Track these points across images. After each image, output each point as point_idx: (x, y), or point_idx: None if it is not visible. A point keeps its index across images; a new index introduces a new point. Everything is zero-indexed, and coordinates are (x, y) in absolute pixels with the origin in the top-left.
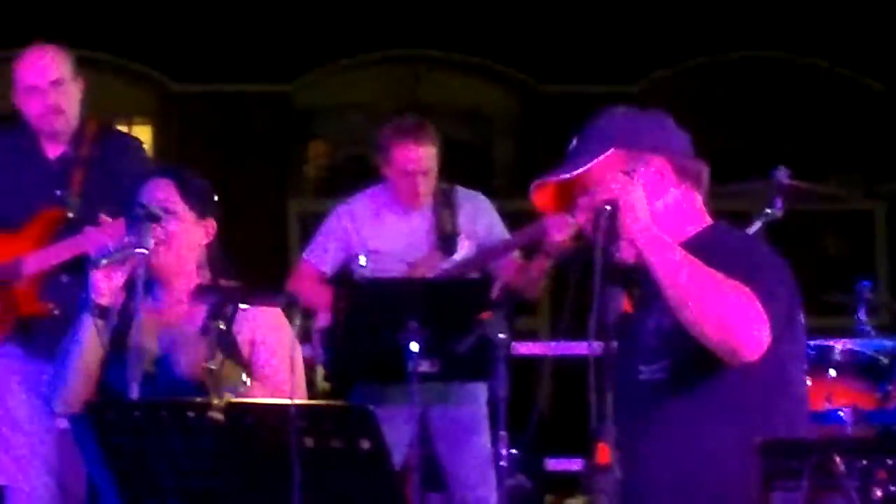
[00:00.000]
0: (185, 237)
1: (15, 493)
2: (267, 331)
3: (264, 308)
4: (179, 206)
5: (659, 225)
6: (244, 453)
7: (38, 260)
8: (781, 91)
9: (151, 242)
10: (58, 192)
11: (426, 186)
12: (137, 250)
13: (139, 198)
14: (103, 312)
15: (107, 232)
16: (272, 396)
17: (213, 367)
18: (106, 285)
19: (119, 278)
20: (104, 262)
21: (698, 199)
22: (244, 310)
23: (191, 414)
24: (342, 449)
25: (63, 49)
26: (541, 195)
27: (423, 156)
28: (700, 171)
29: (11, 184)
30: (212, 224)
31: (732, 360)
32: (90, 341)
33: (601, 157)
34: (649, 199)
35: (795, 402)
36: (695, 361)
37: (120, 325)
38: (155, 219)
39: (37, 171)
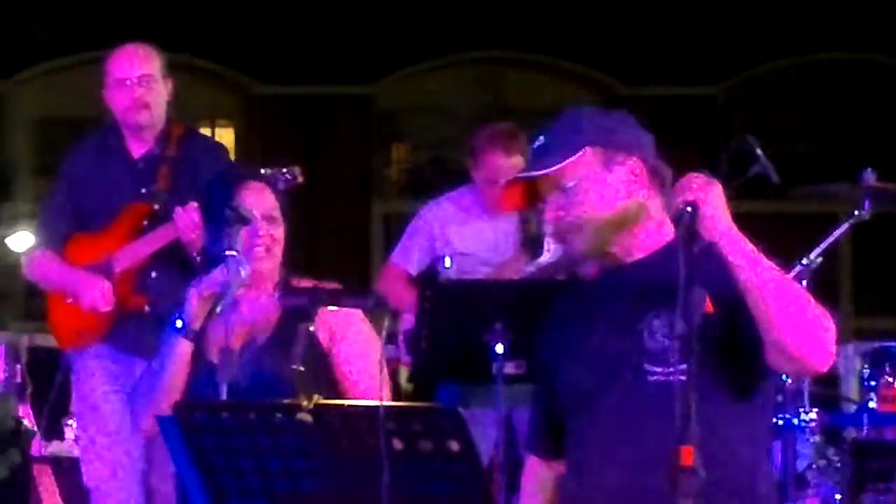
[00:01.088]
0: (284, 242)
1: (102, 494)
2: (346, 331)
3: (342, 309)
4: (279, 212)
5: None
6: (332, 455)
7: (129, 254)
8: (869, 92)
9: (247, 269)
10: (143, 191)
11: None
12: (241, 279)
13: (232, 201)
14: (195, 335)
15: (190, 216)
16: (357, 397)
17: (301, 368)
18: (201, 313)
19: (208, 303)
20: (219, 309)
21: (661, 203)
22: (322, 311)
23: (279, 415)
24: (431, 451)
25: (154, 48)
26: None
27: (511, 166)
28: (667, 174)
29: (98, 183)
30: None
31: (801, 368)
32: (181, 364)
33: (575, 156)
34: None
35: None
36: (720, 365)
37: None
38: (246, 221)
39: (122, 170)
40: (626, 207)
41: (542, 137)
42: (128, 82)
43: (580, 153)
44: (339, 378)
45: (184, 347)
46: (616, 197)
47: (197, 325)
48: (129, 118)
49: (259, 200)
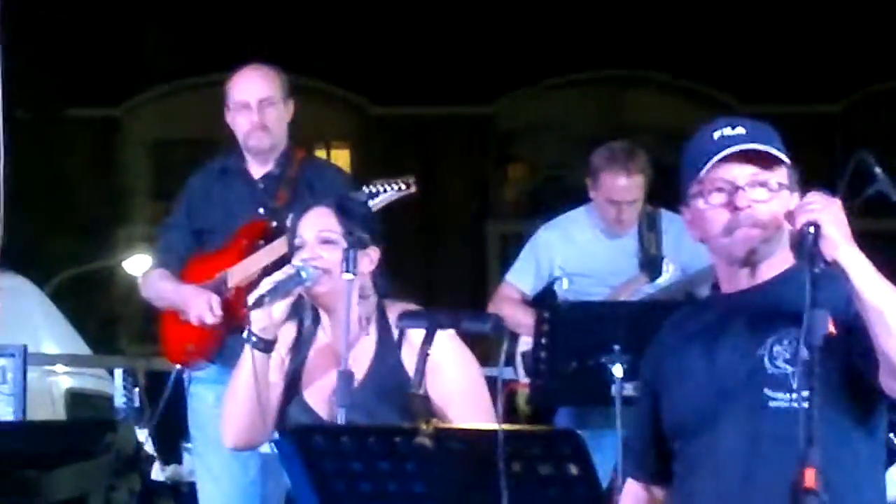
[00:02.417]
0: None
1: None
2: (443, 356)
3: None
4: (339, 235)
5: None
6: (451, 478)
7: (241, 270)
8: None
9: (314, 273)
10: (261, 210)
11: (630, 215)
12: (299, 284)
13: (300, 226)
14: (267, 346)
15: None
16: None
17: (420, 392)
18: (267, 319)
19: (282, 312)
20: (267, 300)
21: None
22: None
23: (398, 439)
24: (550, 474)
25: (275, 70)
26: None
27: (631, 186)
28: None
29: (218, 204)
30: (375, 252)
31: None
32: (253, 375)
33: (787, 163)
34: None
35: None
36: (840, 388)
37: (297, 368)
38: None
39: (242, 190)
40: (784, 227)
41: (747, 125)
42: (248, 106)
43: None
44: (439, 415)
45: (253, 357)
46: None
47: (266, 335)
48: (249, 141)
49: (314, 224)
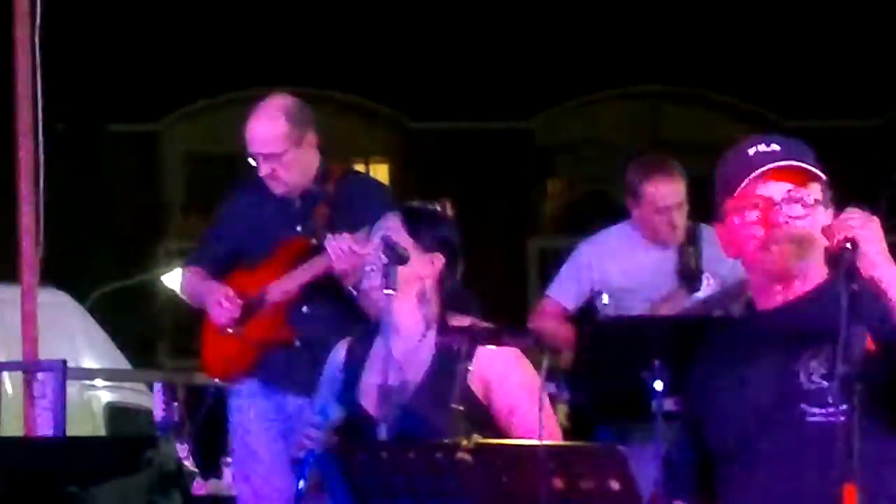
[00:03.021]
0: (407, 269)
1: None
2: (502, 381)
3: (497, 355)
4: (403, 238)
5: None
6: (492, 494)
7: (281, 286)
8: None
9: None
10: (298, 228)
11: (681, 220)
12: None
13: (379, 238)
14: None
15: (342, 245)
16: (522, 436)
17: (461, 407)
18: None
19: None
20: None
21: None
22: (477, 358)
23: (439, 454)
24: (592, 490)
25: (287, 110)
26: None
27: (676, 190)
28: None
29: (255, 222)
30: (438, 259)
31: None
32: None
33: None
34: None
35: None
36: (878, 404)
37: (352, 367)
38: (403, 261)
39: (278, 208)
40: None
41: (780, 142)
42: (260, 157)
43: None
44: (503, 429)
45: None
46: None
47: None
48: (270, 186)
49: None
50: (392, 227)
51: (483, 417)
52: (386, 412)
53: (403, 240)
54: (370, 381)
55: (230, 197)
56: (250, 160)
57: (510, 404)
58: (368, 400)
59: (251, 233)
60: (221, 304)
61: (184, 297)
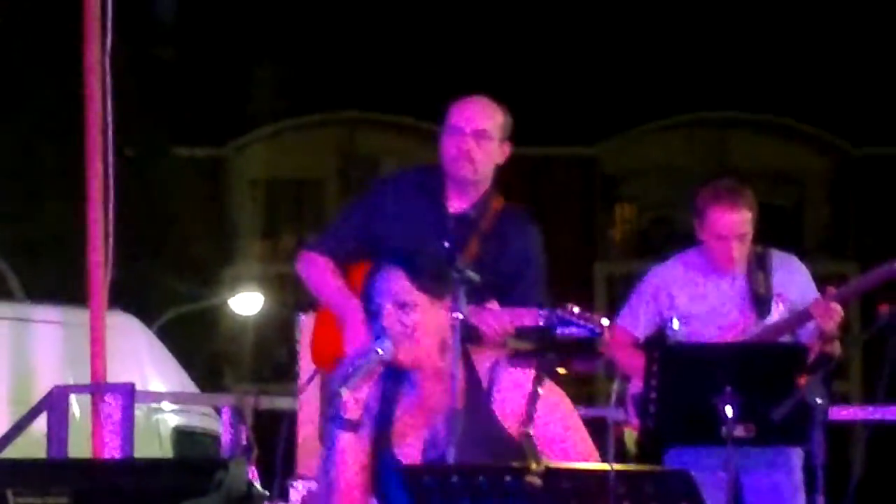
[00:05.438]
0: (424, 324)
1: None
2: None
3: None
4: (414, 296)
5: None
6: None
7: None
8: None
9: (389, 345)
10: (446, 244)
11: (740, 252)
12: (377, 361)
13: (374, 292)
14: (354, 426)
15: (490, 321)
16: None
17: (531, 431)
18: (352, 402)
19: (365, 390)
20: (353, 382)
21: None
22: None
23: (508, 478)
24: None
25: (503, 108)
26: None
27: (739, 220)
28: None
29: (404, 221)
30: (447, 304)
31: None
32: (348, 457)
33: None
34: None
35: None
36: None
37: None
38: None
39: (434, 220)
40: None
41: None
42: (462, 132)
43: None
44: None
45: (343, 438)
46: None
47: (355, 415)
48: (453, 168)
49: (387, 289)
50: (399, 283)
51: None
52: (454, 434)
53: (412, 295)
54: (408, 434)
55: (385, 185)
56: (443, 142)
57: (551, 426)
58: (405, 449)
59: (396, 230)
60: (359, 335)
61: (301, 274)
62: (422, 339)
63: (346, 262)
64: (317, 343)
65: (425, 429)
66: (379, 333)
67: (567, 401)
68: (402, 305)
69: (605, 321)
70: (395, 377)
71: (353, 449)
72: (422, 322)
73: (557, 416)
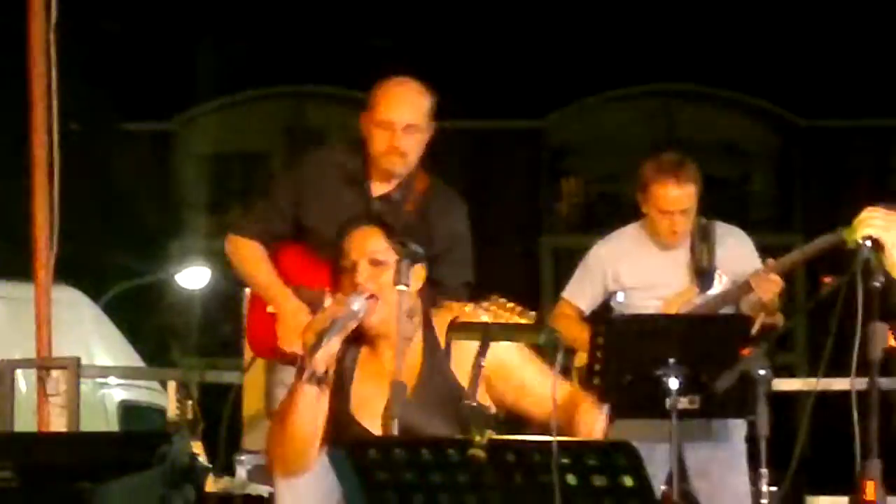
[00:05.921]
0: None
1: None
2: (512, 356)
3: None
4: (388, 254)
5: None
6: (505, 490)
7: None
8: None
9: (366, 304)
10: None
11: (683, 226)
12: (353, 318)
13: (348, 248)
14: (321, 380)
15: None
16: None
17: (474, 403)
18: (323, 357)
19: (335, 346)
20: (325, 339)
21: None
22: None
23: (451, 451)
24: (605, 486)
25: (427, 89)
26: None
27: (683, 195)
28: None
29: (326, 204)
30: (422, 269)
31: None
32: (308, 410)
33: None
34: None
35: None
36: None
37: (342, 374)
38: (419, 259)
39: (356, 205)
40: None
41: None
42: (391, 127)
43: None
44: (517, 410)
45: (307, 391)
46: None
47: (319, 368)
48: (383, 162)
49: (362, 245)
50: (363, 237)
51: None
52: (398, 408)
53: (378, 247)
54: (361, 392)
55: (307, 169)
56: (370, 130)
57: (516, 370)
58: (364, 413)
59: (320, 214)
60: (292, 327)
61: (231, 259)
62: (390, 298)
63: (275, 243)
64: (251, 330)
65: (384, 392)
66: (353, 291)
67: (518, 352)
68: (378, 264)
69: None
70: (354, 339)
71: (314, 403)
72: (390, 284)
73: (519, 356)
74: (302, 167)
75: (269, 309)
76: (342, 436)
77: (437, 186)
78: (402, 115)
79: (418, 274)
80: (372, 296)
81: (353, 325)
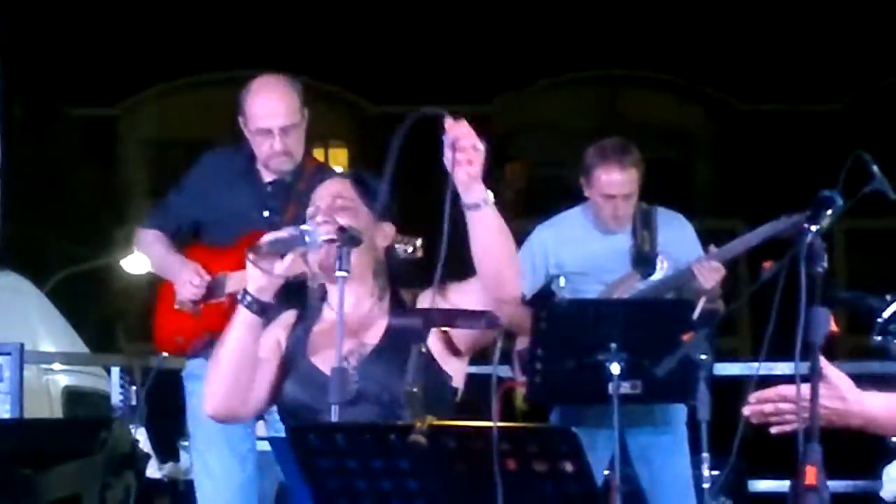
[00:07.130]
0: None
1: None
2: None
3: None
4: (356, 203)
5: None
6: (445, 476)
7: (242, 278)
8: None
9: (318, 238)
10: (266, 213)
11: (626, 210)
12: (301, 243)
13: (315, 196)
14: (262, 308)
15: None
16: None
17: (414, 389)
18: (264, 279)
19: (279, 273)
20: (263, 250)
21: None
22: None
23: (392, 437)
24: (545, 471)
25: (293, 84)
26: None
27: (625, 180)
28: None
29: (224, 202)
30: (389, 227)
31: None
32: (244, 337)
33: None
34: None
35: None
36: None
37: (298, 342)
38: (356, 243)
39: (249, 193)
40: None
41: None
42: (270, 133)
43: None
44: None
45: (244, 316)
46: None
47: (263, 296)
48: (272, 165)
49: (330, 192)
50: (344, 193)
51: (446, 393)
52: (339, 393)
53: (355, 202)
54: (325, 345)
55: (201, 164)
56: (251, 137)
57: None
58: (321, 358)
59: (216, 209)
60: (192, 282)
61: (140, 251)
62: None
63: (180, 239)
64: (158, 326)
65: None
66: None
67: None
68: (343, 209)
69: (417, 242)
70: (319, 295)
71: (252, 332)
72: (352, 225)
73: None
74: (198, 168)
75: (176, 306)
76: (289, 392)
77: (326, 167)
78: (277, 120)
79: (385, 232)
80: (332, 240)
81: (298, 250)
